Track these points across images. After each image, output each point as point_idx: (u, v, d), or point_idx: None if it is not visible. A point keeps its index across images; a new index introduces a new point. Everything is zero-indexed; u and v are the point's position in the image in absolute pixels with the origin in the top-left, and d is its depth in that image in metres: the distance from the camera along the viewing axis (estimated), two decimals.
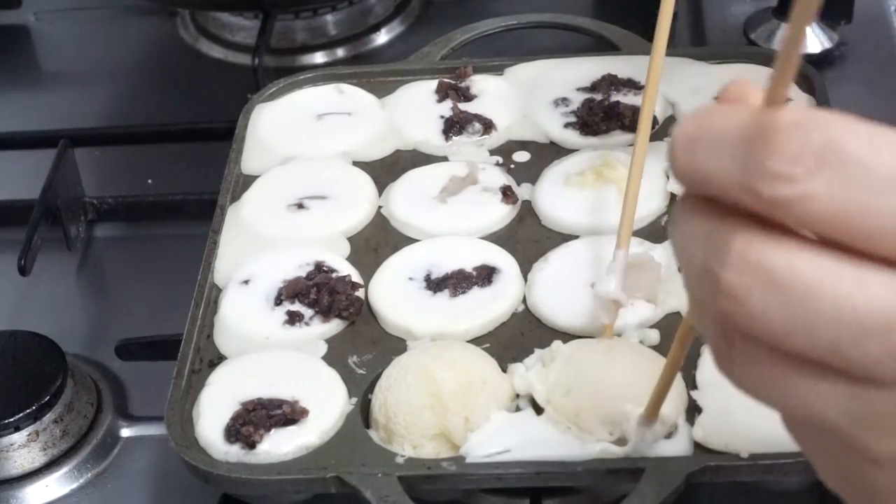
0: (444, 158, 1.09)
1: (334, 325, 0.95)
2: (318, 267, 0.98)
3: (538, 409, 0.87)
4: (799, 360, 0.48)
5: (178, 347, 0.94)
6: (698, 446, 0.83)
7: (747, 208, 0.47)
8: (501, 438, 0.85)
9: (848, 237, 0.47)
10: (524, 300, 0.96)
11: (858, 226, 0.46)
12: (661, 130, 1.08)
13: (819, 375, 0.48)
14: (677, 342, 0.71)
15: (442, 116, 1.11)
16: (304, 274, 0.98)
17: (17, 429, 0.98)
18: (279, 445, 0.86)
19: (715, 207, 0.49)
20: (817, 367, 0.48)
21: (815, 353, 0.47)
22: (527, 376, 0.88)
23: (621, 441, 0.84)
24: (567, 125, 1.09)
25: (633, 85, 1.11)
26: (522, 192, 1.05)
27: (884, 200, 0.46)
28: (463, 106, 1.12)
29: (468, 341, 0.93)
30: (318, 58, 1.43)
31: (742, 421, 0.83)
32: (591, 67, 1.14)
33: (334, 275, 0.97)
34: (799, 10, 0.44)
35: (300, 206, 1.05)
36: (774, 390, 0.50)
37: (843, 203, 0.46)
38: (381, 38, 1.45)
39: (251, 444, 0.86)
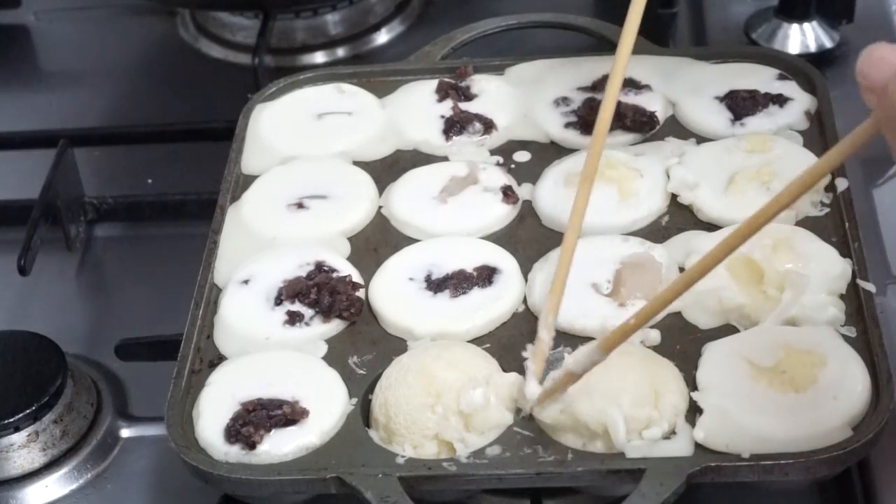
0: (445, 158, 1.09)
1: (334, 326, 0.95)
2: (319, 267, 0.98)
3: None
4: None
5: (178, 348, 0.94)
6: (699, 447, 0.83)
7: None
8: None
9: None
10: (524, 300, 0.96)
11: None
12: (661, 131, 1.08)
13: None
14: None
15: (442, 116, 1.11)
16: (304, 274, 0.98)
17: (17, 429, 0.98)
18: (279, 446, 0.86)
19: None
20: None
21: None
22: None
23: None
24: (567, 125, 1.09)
25: (633, 85, 1.11)
26: (523, 192, 1.05)
27: None
28: (463, 106, 1.12)
29: (468, 341, 0.93)
30: (319, 57, 1.43)
31: (743, 421, 0.83)
32: (591, 67, 1.13)
33: (335, 275, 0.97)
34: None
35: (300, 205, 1.05)
36: None
37: None
38: (382, 37, 1.45)
39: (251, 445, 0.86)
